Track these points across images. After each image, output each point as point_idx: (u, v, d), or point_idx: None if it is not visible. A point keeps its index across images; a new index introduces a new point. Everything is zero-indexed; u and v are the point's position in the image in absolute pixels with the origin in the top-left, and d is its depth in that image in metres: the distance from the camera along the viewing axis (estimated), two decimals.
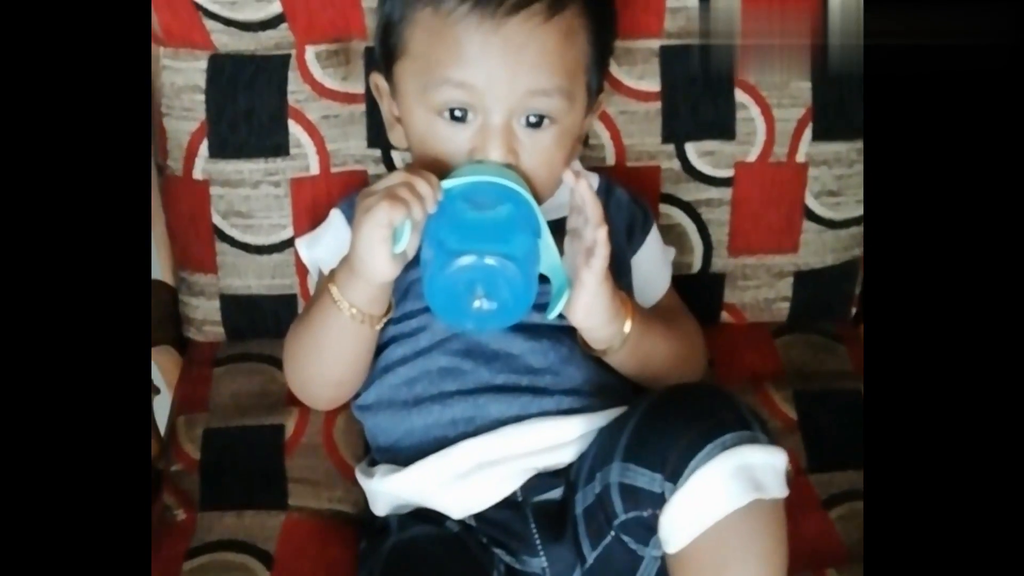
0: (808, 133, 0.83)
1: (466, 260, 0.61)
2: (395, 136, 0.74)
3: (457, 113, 0.67)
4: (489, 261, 0.61)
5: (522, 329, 0.69)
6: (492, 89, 0.66)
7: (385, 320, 0.69)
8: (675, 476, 0.59)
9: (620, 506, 0.63)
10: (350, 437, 0.77)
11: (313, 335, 0.70)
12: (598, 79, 0.72)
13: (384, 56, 0.72)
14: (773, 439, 0.62)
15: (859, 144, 0.84)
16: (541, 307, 0.66)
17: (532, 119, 0.67)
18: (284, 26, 0.79)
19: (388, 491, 0.70)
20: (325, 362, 0.71)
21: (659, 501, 0.60)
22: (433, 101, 0.67)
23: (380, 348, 0.72)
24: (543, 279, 0.66)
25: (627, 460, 0.62)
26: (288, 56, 0.80)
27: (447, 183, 0.64)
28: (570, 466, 0.69)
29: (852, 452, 0.76)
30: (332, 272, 0.68)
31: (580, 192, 0.65)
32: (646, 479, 0.61)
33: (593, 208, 0.65)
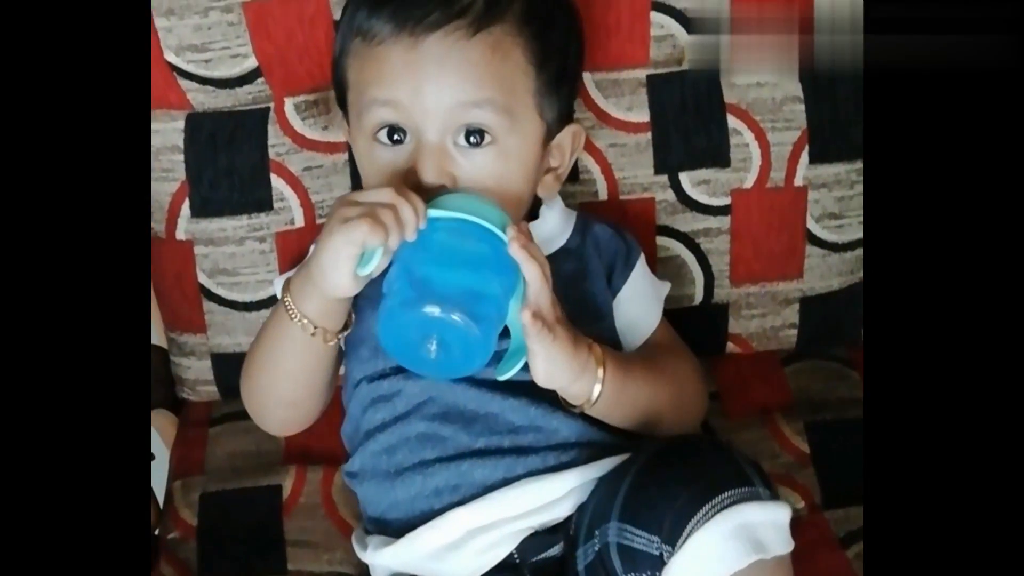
0: (805, 156, 0.81)
1: (430, 310, 0.59)
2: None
3: (396, 136, 0.65)
4: (455, 318, 0.59)
5: (499, 386, 0.67)
6: (418, 103, 0.64)
7: (341, 337, 0.66)
8: (672, 539, 0.58)
9: (619, 567, 0.61)
10: (349, 495, 0.75)
11: (265, 348, 0.68)
12: (555, 109, 0.69)
13: (337, 95, 0.71)
14: (774, 492, 0.60)
15: (858, 165, 0.82)
16: (499, 358, 0.64)
17: (473, 139, 0.65)
18: (261, 80, 0.78)
19: (382, 564, 0.68)
20: (275, 378, 0.68)
21: (658, 564, 0.58)
22: (366, 124, 0.66)
23: (363, 410, 0.70)
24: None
25: (623, 520, 0.60)
26: (267, 109, 0.79)
27: (433, 212, 0.61)
28: (568, 519, 0.66)
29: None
30: (287, 280, 0.66)
31: (514, 253, 0.61)
32: (643, 541, 0.59)
33: (532, 276, 0.61)
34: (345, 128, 0.73)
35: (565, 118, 0.71)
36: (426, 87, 0.64)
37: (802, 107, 0.80)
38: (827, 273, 0.84)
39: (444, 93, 0.64)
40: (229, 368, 0.82)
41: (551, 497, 0.65)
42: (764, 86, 0.80)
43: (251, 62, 0.77)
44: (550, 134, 0.69)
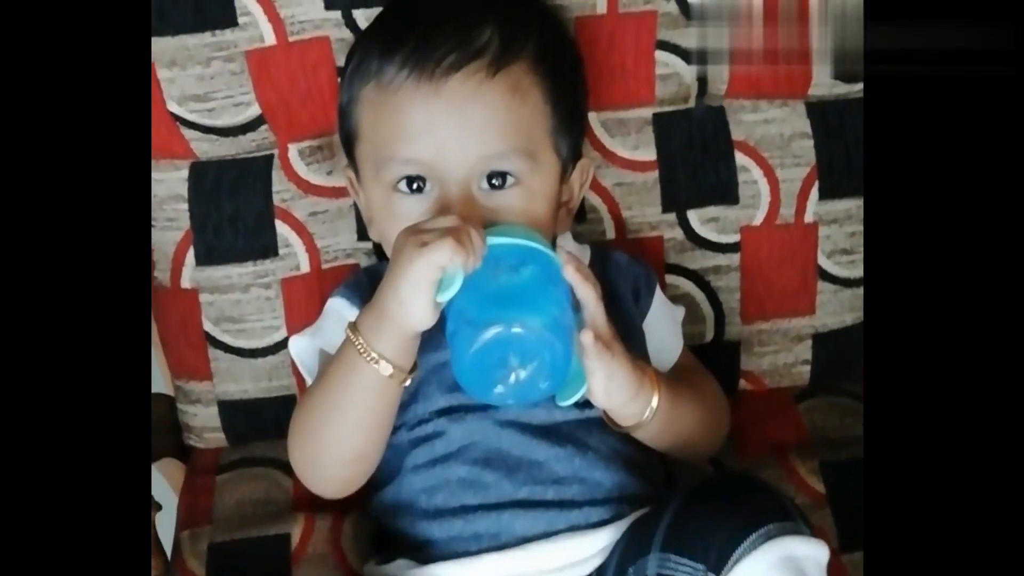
0: (815, 192, 0.80)
1: (504, 329, 0.57)
2: (374, 232, 0.72)
3: (415, 185, 0.65)
4: (516, 329, 0.57)
5: (544, 433, 0.66)
6: (441, 161, 0.63)
7: (412, 378, 0.63)
8: (719, 567, 0.57)
9: None
10: (358, 544, 0.74)
11: (332, 398, 0.64)
12: (569, 145, 0.69)
13: (345, 145, 0.70)
14: (813, 531, 0.59)
15: None
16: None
17: (496, 182, 0.64)
18: (264, 127, 0.77)
19: None
20: (345, 429, 0.65)
21: None
22: (386, 178, 0.65)
23: (399, 453, 0.69)
24: None
25: (666, 551, 0.60)
26: (271, 156, 0.78)
27: (488, 240, 0.60)
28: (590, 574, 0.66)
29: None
30: (353, 324, 0.62)
31: (568, 275, 0.62)
32: (687, 570, 0.58)
33: (587, 296, 0.62)
34: (350, 176, 0.72)
35: (578, 154, 0.71)
36: (449, 144, 0.63)
37: (811, 143, 0.80)
38: (839, 309, 0.83)
39: (468, 148, 0.63)
40: (236, 415, 0.82)
41: (587, 554, 0.65)
42: (772, 123, 0.80)
43: (254, 110, 0.76)
44: (565, 170, 0.69)
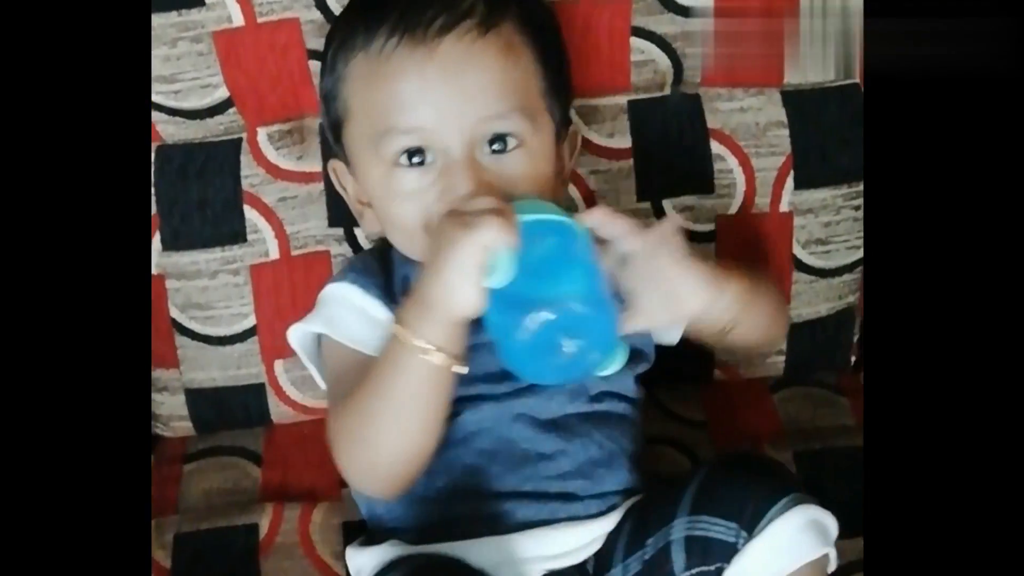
0: (790, 182, 0.80)
1: (543, 315, 0.56)
2: (367, 223, 0.70)
3: (416, 159, 0.63)
4: (562, 310, 0.56)
5: (554, 427, 0.66)
6: (442, 125, 0.62)
7: (463, 367, 0.60)
8: (752, 524, 0.60)
9: (682, 563, 0.61)
10: (327, 533, 0.74)
11: (385, 399, 0.60)
12: (560, 110, 0.68)
13: (333, 131, 0.69)
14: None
15: (844, 190, 0.81)
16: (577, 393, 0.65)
17: (496, 146, 0.63)
18: (232, 110, 0.76)
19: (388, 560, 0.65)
20: (403, 428, 0.61)
21: (730, 553, 0.60)
22: (386, 152, 0.64)
23: None
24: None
25: (697, 513, 0.62)
26: (239, 140, 0.77)
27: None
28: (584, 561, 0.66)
29: (860, 517, 0.72)
30: (397, 320, 0.60)
31: (595, 219, 0.60)
32: (720, 529, 0.61)
33: (622, 225, 0.61)
34: (336, 167, 0.71)
35: (567, 120, 0.70)
36: (447, 108, 0.62)
37: (786, 132, 0.79)
38: (814, 299, 0.83)
39: (467, 111, 0.62)
40: (204, 403, 0.81)
41: (586, 540, 0.65)
42: (747, 111, 0.79)
43: (222, 92, 0.75)
44: (559, 135, 0.68)
